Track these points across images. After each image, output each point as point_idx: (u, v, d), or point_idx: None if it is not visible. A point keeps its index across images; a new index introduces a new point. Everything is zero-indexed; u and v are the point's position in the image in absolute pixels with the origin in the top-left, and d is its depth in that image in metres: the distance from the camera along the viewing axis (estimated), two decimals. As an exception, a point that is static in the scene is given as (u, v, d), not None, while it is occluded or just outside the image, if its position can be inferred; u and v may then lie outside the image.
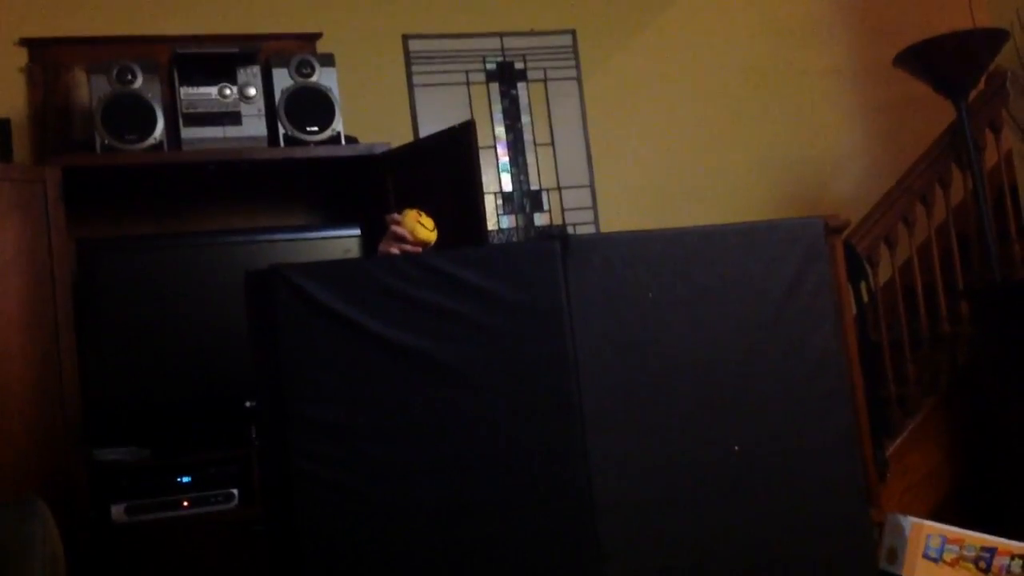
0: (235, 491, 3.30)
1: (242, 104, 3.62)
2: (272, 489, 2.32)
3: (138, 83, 3.51)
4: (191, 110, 3.59)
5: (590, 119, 4.45)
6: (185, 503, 3.26)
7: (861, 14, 4.81)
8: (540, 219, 4.34)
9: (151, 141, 3.48)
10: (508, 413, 2.25)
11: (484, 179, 3.55)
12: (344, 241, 3.65)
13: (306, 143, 3.62)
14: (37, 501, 2.42)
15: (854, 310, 3.57)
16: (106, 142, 3.44)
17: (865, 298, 3.70)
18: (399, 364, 2.22)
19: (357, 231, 3.67)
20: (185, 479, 3.30)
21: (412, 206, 2.60)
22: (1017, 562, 2.95)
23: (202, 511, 3.25)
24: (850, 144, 4.71)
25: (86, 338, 3.37)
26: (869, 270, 3.83)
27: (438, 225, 2.60)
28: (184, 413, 3.45)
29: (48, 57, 3.80)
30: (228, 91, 3.62)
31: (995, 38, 3.94)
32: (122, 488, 3.24)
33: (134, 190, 3.78)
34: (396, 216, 2.55)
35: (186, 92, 3.60)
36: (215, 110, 3.60)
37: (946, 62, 3.91)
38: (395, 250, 2.51)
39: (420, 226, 2.55)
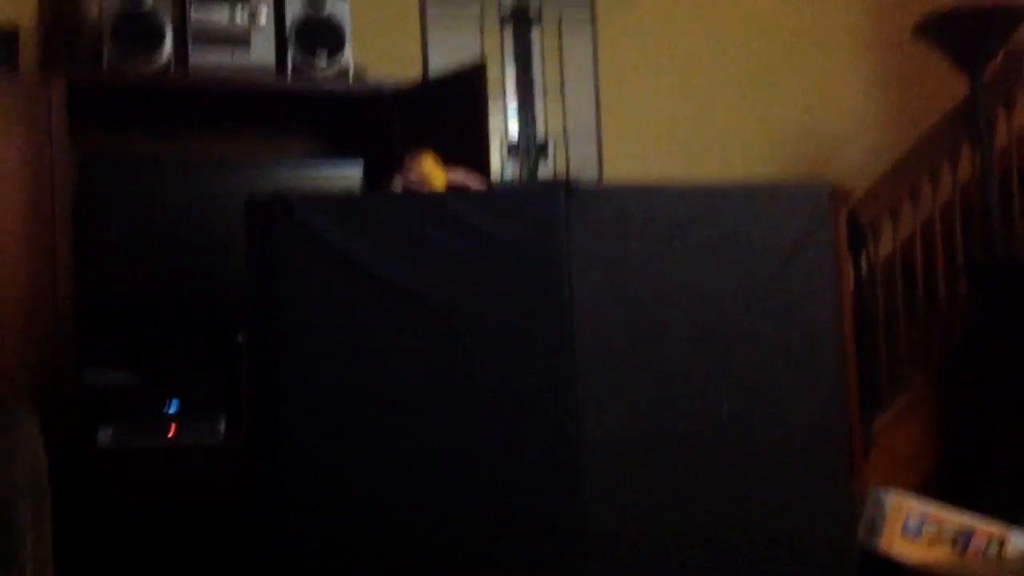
0: (222, 422, 3.29)
1: (252, 29, 3.58)
2: (258, 414, 2.33)
3: (148, 0, 3.46)
4: (200, 31, 3.54)
5: (602, 70, 4.40)
6: (172, 431, 3.26)
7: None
8: (544, 167, 4.31)
9: (159, 60, 3.43)
10: (501, 353, 2.26)
11: (490, 123, 3.52)
12: (346, 176, 3.62)
13: (314, 74, 3.58)
14: (22, 411, 2.42)
15: (852, 281, 3.56)
16: (113, 58, 3.40)
17: (864, 269, 3.69)
18: (393, 299, 2.22)
19: (360, 166, 3.64)
20: (173, 407, 3.29)
21: (421, 149, 2.60)
22: (994, 545, 2.96)
23: (188, 440, 3.25)
24: (862, 113, 4.66)
25: (83, 255, 3.35)
26: (870, 239, 3.81)
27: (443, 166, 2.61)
28: (175, 339, 3.43)
29: (59, -34, 3.74)
30: (239, 14, 3.57)
31: (1017, 14, 3.89)
32: (110, 412, 3.23)
33: (138, 109, 3.74)
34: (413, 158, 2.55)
35: (196, 13, 3.55)
36: (224, 33, 3.55)
37: (966, 34, 3.86)
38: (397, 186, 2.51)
39: (433, 177, 2.56)
